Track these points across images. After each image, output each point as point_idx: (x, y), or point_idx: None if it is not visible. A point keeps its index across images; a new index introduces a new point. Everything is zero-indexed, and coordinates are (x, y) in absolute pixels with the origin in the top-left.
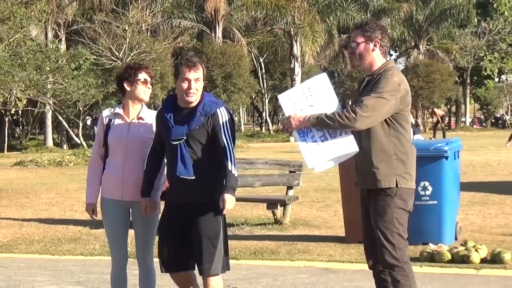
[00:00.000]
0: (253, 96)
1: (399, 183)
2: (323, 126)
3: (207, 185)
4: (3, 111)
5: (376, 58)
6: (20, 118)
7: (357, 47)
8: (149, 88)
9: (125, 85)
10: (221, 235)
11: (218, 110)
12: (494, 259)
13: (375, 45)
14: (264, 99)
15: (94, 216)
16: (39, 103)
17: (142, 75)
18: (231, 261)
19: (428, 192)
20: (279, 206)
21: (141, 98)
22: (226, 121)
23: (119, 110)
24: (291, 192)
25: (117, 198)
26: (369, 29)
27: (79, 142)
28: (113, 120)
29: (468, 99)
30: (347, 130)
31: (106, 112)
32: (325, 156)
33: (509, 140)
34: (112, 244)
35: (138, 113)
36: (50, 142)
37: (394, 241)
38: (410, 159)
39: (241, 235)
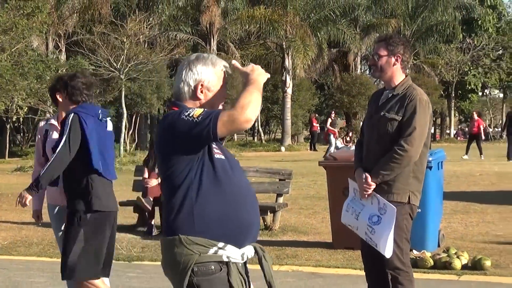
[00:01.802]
0: None
1: (411, 200)
2: (390, 176)
3: None
4: (4, 118)
5: (397, 72)
6: (21, 126)
7: (379, 60)
8: None
9: (57, 96)
10: None
11: None
12: (475, 266)
13: (396, 60)
14: None
15: (40, 220)
16: (39, 111)
17: None
18: None
19: None
20: (269, 213)
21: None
22: None
23: (54, 121)
24: (280, 199)
25: (60, 203)
26: (392, 43)
27: None
28: (49, 131)
29: (452, 112)
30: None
31: (42, 124)
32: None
33: (466, 152)
34: (58, 245)
35: None
36: None
37: (403, 246)
38: (423, 177)
39: None
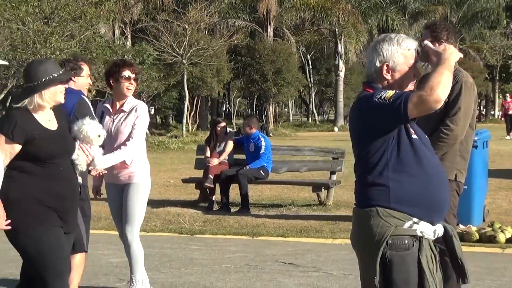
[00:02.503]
0: (301, 90)
1: (458, 177)
2: (438, 154)
3: None
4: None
5: None
6: None
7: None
8: (132, 84)
9: (110, 81)
10: None
11: None
12: None
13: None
14: (310, 93)
15: (99, 196)
16: (107, 94)
17: (126, 72)
18: (279, 238)
19: None
20: (323, 189)
21: (124, 93)
22: None
23: (107, 104)
24: (334, 177)
25: (110, 181)
26: (436, 30)
27: None
28: (104, 113)
29: (497, 94)
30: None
31: (99, 105)
32: None
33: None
34: (113, 219)
35: (121, 106)
36: None
37: (450, 221)
38: (469, 155)
39: (288, 215)
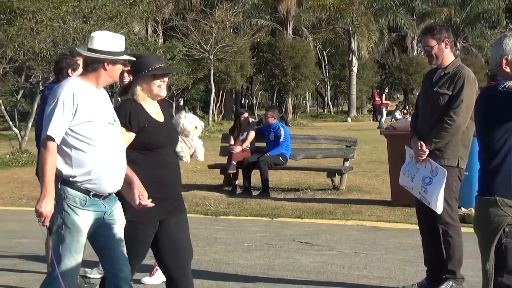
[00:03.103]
0: (317, 84)
1: (460, 164)
2: (441, 143)
3: None
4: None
5: (448, 54)
6: None
7: (431, 50)
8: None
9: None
10: None
11: None
12: None
13: (446, 44)
14: (326, 86)
15: None
16: None
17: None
18: (297, 220)
19: None
20: (337, 175)
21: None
22: None
23: None
24: (347, 163)
25: None
26: (437, 32)
27: None
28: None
29: None
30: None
31: (116, 96)
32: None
33: None
34: None
35: None
36: None
37: (452, 204)
38: (470, 144)
39: (305, 198)
